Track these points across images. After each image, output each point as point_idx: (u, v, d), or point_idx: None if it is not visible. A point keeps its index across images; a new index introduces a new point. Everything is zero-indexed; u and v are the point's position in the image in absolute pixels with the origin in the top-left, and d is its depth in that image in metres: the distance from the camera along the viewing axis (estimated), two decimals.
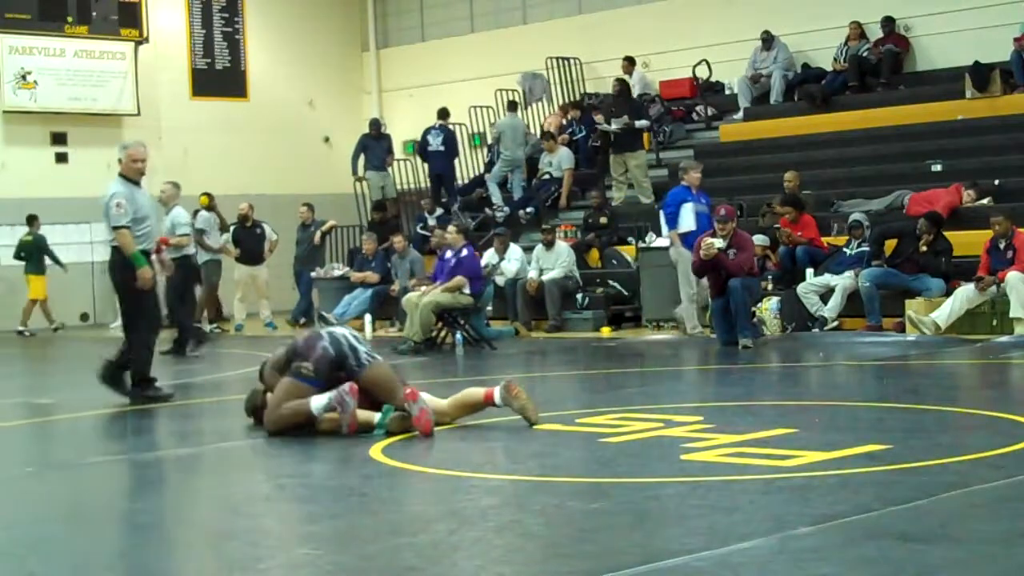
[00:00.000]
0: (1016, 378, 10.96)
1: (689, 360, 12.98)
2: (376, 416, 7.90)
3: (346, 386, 7.83)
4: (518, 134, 20.53)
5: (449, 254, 15.02)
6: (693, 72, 20.22)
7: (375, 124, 21.78)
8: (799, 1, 20.01)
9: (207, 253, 17.39)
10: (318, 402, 7.85)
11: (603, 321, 16.36)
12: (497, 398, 8.06)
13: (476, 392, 8.25)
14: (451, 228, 15.27)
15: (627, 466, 6.78)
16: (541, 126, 21.44)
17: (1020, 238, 13.25)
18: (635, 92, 20.82)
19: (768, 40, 19.54)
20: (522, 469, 6.81)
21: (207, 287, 17.78)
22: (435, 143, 20.92)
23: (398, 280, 17.40)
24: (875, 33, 18.94)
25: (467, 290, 14.50)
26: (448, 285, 14.44)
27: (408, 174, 22.25)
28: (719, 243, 12.89)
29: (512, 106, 20.98)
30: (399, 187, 21.98)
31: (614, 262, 17.43)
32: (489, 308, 16.00)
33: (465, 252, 14.72)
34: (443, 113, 21.16)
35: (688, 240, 14.18)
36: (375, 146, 21.36)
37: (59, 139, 22.20)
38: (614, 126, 18.53)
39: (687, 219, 14.39)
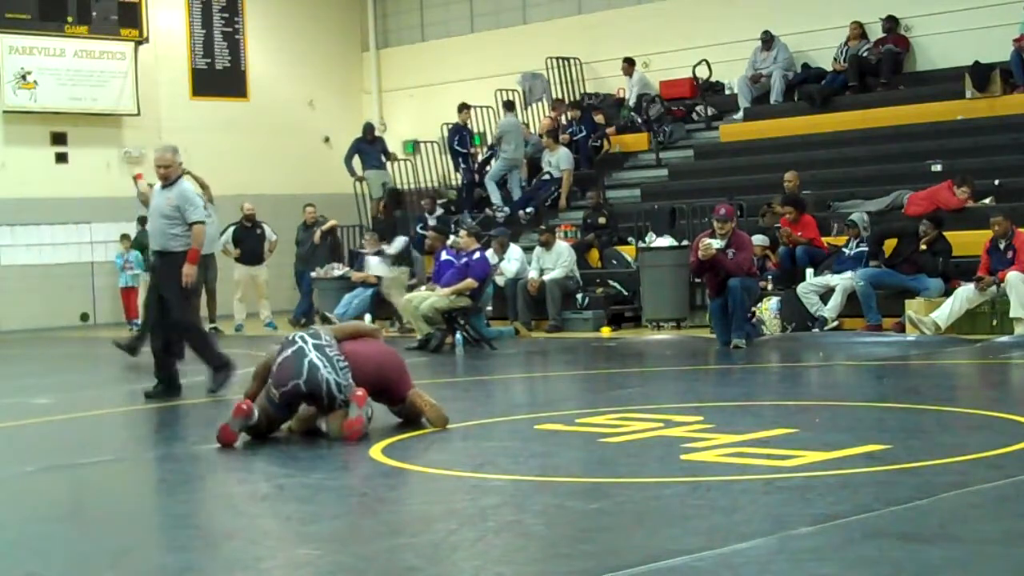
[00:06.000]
0: (1016, 378, 10.96)
1: (689, 360, 12.96)
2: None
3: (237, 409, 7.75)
4: (519, 134, 20.55)
5: (445, 255, 15.03)
6: (693, 72, 20.22)
7: (369, 128, 21.75)
8: (799, 1, 20.00)
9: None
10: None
11: (603, 321, 16.35)
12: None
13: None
14: (462, 232, 15.26)
15: (627, 466, 6.78)
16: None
17: (1020, 238, 13.23)
18: (635, 92, 20.87)
19: (768, 40, 19.53)
20: (522, 469, 6.81)
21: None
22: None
23: None
24: (875, 33, 18.94)
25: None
26: (457, 287, 14.44)
27: (408, 174, 22.25)
28: (718, 243, 12.87)
29: (509, 106, 20.97)
30: (399, 187, 21.96)
31: (614, 262, 17.43)
32: (489, 308, 15.99)
33: (477, 255, 14.72)
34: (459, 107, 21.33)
35: None
36: (369, 150, 21.35)
37: (59, 139, 22.18)
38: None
39: None
